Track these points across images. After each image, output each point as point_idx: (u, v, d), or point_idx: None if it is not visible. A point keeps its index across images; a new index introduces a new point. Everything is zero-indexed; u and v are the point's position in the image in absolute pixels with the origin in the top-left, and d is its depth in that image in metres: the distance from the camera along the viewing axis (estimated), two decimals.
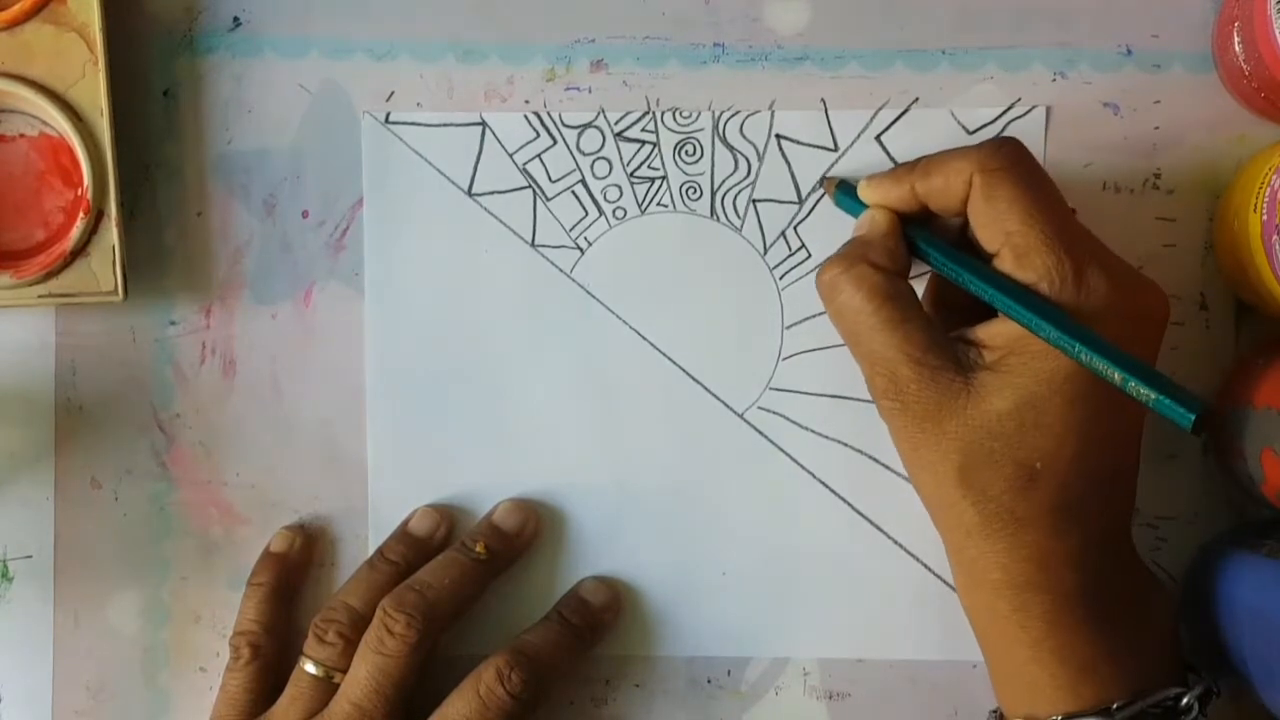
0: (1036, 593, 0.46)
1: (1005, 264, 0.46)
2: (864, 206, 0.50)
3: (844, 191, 0.52)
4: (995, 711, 0.50)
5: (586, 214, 0.56)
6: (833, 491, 0.55)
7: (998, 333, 0.46)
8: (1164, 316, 0.48)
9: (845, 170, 0.55)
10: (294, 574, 0.55)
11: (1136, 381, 0.44)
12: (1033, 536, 0.46)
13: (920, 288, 0.51)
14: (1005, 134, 0.54)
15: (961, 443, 0.46)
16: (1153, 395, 0.44)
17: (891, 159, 0.55)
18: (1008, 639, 0.47)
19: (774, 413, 0.55)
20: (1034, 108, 0.55)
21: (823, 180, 0.54)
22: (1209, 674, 0.47)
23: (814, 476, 0.55)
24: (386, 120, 0.56)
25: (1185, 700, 0.46)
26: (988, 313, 0.47)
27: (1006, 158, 0.47)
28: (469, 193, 0.56)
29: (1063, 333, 0.44)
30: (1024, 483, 0.46)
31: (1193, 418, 0.43)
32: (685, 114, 0.55)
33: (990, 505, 0.46)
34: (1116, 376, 0.44)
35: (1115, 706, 0.46)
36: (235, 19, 0.56)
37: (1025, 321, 0.45)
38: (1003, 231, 0.46)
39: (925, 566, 0.55)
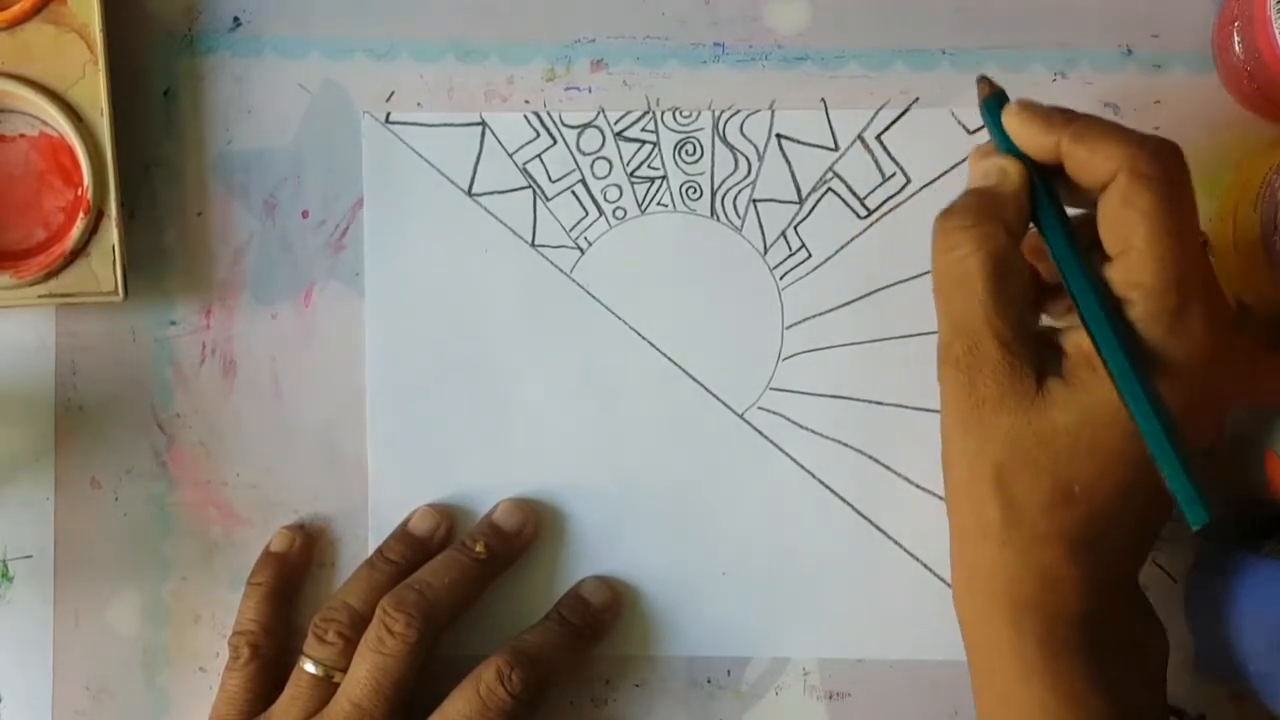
0: (1036, 612, 0.45)
1: (1114, 271, 0.44)
2: (1002, 133, 0.46)
3: (993, 104, 0.47)
4: None
5: (586, 214, 0.56)
6: (833, 492, 0.55)
7: (1078, 344, 0.45)
8: (1248, 380, 0.47)
9: (848, 171, 0.55)
10: (294, 574, 0.55)
11: (1163, 463, 0.42)
12: (1046, 556, 0.45)
13: None
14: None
15: (1010, 441, 0.45)
16: (1170, 485, 0.42)
17: (892, 159, 0.55)
18: (1000, 656, 0.46)
19: (774, 413, 0.55)
20: None
21: (980, 79, 0.48)
22: (1193, 710, 0.47)
23: (814, 476, 0.55)
24: (386, 120, 0.56)
25: None
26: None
27: (1160, 168, 0.43)
28: (469, 193, 0.56)
29: (1124, 380, 0.43)
30: (1057, 500, 0.44)
31: (1198, 527, 0.42)
32: (685, 114, 0.55)
33: (1014, 513, 0.45)
34: (1149, 449, 0.43)
35: None
36: (235, 19, 0.56)
37: (1105, 356, 0.43)
38: (1124, 240, 0.44)
39: (925, 566, 0.55)
